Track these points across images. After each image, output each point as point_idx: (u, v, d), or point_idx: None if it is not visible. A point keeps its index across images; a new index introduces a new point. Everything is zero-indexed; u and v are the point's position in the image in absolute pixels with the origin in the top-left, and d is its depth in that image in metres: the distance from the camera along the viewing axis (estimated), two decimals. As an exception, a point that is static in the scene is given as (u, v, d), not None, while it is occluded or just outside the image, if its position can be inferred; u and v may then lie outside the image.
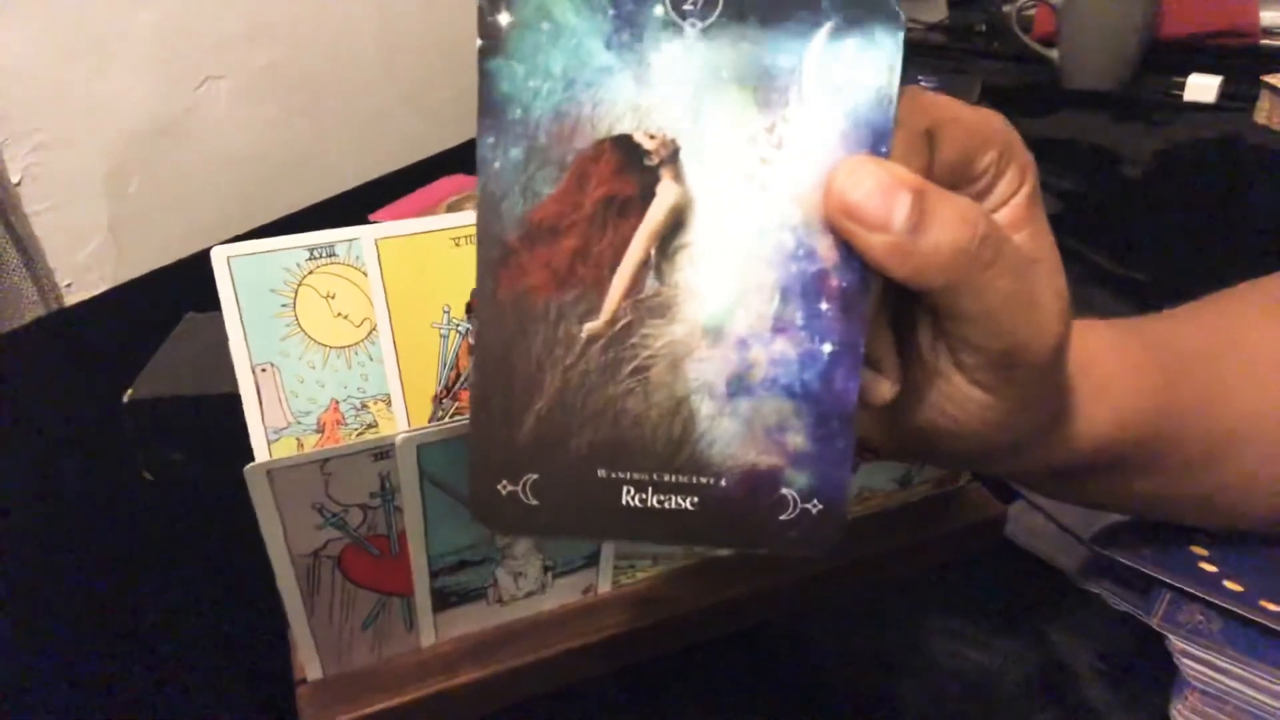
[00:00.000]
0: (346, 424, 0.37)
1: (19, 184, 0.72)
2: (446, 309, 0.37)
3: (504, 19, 0.21)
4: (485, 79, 0.22)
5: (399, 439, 0.33)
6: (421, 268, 0.37)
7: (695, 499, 0.23)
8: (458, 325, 0.37)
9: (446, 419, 0.38)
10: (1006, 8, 1.18)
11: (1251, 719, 0.35)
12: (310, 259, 0.36)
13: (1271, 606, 0.38)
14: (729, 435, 0.23)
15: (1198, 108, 1.03)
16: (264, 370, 0.36)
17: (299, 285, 0.36)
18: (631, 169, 0.22)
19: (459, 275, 0.37)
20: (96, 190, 0.77)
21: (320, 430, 0.37)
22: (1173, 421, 0.33)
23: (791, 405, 0.23)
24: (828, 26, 0.21)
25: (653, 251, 0.22)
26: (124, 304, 0.74)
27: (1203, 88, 1.03)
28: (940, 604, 0.42)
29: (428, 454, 0.33)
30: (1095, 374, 0.30)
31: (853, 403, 0.23)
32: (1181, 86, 1.04)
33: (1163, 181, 0.87)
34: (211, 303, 0.35)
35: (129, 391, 0.50)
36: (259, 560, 0.42)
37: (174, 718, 0.39)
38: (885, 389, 0.26)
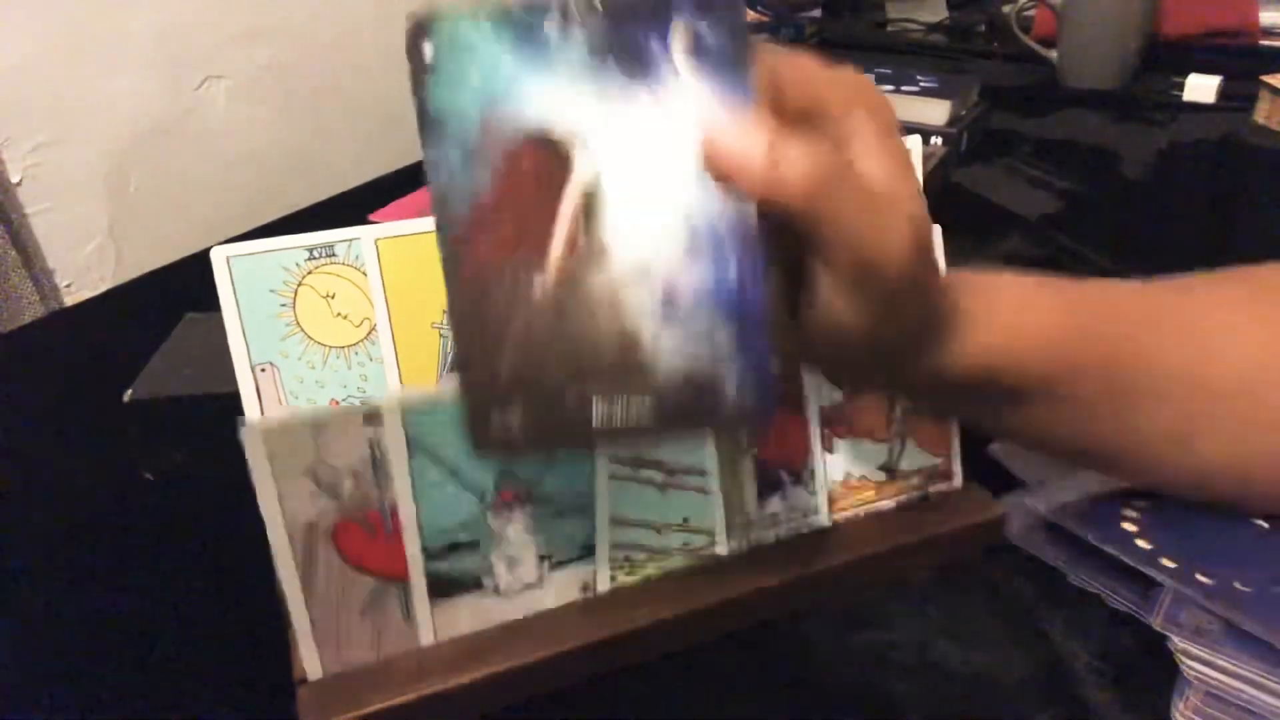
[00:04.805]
0: (346, 424, 0.37)
1: (19, 184, 0.72)
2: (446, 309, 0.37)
3: (428, 48, 0.27)
4: (420, 100, 0.27)
5: (385, 399, 0.34)
6: (421, 268, 0.37)
7: (649, 405, 0.28)
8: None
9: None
10: (1006, 8, 1.18)
11: (1253, 719, 0.35)
12: (310, 259, 0.36)
13: (1206, 580, 0.40)
14: (670, 347, 0.28)
15: (1197, 108, 1.03)
16: (264, 370, 0.36)
17: (299, 285, 0.36)
18: (550, 155, 0.27)
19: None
20: (96, 190, 0.77)
21: (320, 430, 0.37)
22: (1073, 359, 0.36)
23: (715, 315, 0.28)
24: (683, 13, 0.27)
25: (578, 215, 0.28)
26: (124, 304, 0.74)
27: (1202, 88, 1.03)
28: (940, 604, 0.42)
29: (414, 417, 0.35)
30: (988, 302, 0.35)
31: (762, 304, 0.28)
32: (1181, 86, 1.04)
33: (1163, 181, 0.87)
34: (211, 303, 0.35)
35: (129, 391, 0.50)
36: (258, 560, 0.42)
37: (174, 718, 0.39)
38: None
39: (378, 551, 0.36)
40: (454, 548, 0.37)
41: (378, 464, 0.35)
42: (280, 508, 0.34)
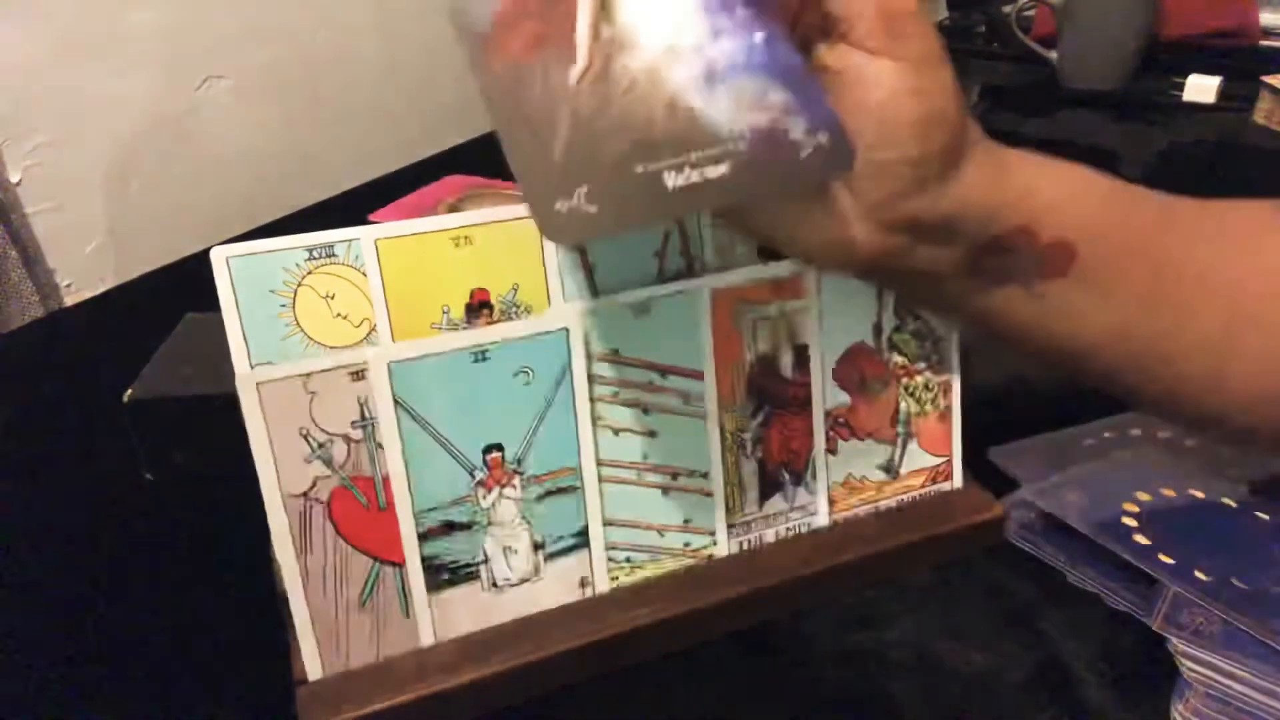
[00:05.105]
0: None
1: (19, 184, 0.72)
2: (446, 309, 0.37)
3: None
4: None
5: (371, 353, 0.35)
6: (421, 268, 0.37)
7: (726, 164, 0.28)
8: (458, 325, 0.37)
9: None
10: (1006, 8, 1.18)
11: None
12: (310, 259, 0.36)
13: (1204, 577, 0.40)
14: (726, 112, 0.28)
15: (1197, 108, 1.03)
16: (264, 370, 0.36)
17: (298, 286, 0.36)
18: None
19: (459, 275, 0.37)
20: (96, 190, 0.77)
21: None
22: (1114, 235, 0.34)
23: (759, 78, 0.28)
24: None
25: (598, 5, 0.28)
26: (124, 304, 0.74)
27: (1202, 88, 1.03)
28: (940, 604, 0.42)
29: (401, 375, 0.35)
30: (1034, 168, 0.33)
31: (799, 61, 0.29)
32: (1181, 87, 1.04)
33: (1163, 181, 0.86)
34: (211, 303, 0.35)
35: (129, 391, 0.50)
36: (258, 560, 0.42)
37: (174, 718, 0.39)
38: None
39: (372, 527, 0.36)
40: (448, 529, 0.37)
41: (368, 428, 0.35)
42: (276, 475, 0.34)
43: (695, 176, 0.28)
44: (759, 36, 0.29)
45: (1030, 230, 0.33)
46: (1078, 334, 0.35)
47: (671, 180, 0.28)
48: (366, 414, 0.35)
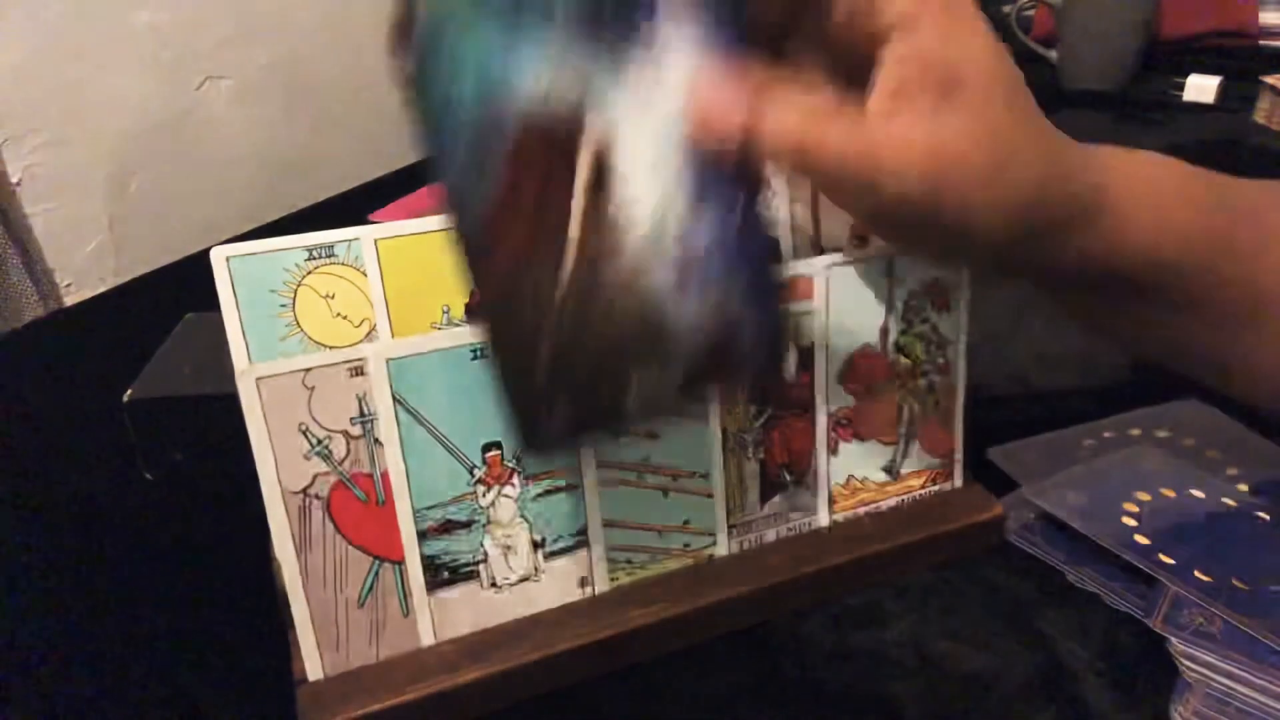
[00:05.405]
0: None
1: (19, 184, 0.72)
2: (446, 309, 0.37)
3: (413, 46, 0.25)
4: (414, 101, 0.26)
5: (369, 349, 0.35)
6: (421, 268, 0.37)
7: (680, 371, 0.30)
8: (458, 325, 0.37)
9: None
10: (1006, 8, 1.18)
11: None
12: (310, 259, 0.36)
13: (1204, 577, 0.40)
14: (690, 320, 0.30)
15: (1197, 108, 1.03)
16: (263, 370, 0.36)
17: (298, 286, 0.36)
18: (555, 131, 0.27)
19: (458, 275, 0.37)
20: (96, 190, 0.77)
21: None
22: (1221, 255, 0.33)
23: (725, 286, 0.29)
24: None
25: (590, 188, 0.28)
26: (124, 304, 0.74)
27: (1202, 88, 1.03)
28: (940, 604, 0.42)
29: (400, 371, 0.35)
30: (1133, 190, 0.32)
31: (767, 247, 0.30)
32: (1181, 87, 1.04)
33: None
34: (211, 303, 0.35)
35: (129, 391, 0.50)
36: (258, 560, 0.42)
37: (174, 718, 0.39)
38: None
39: (372, 524, 0.36)
40: (447, 527, 0.37)
41: (367, 425, 0.35)
42: (276, 472, 0.34)
43: (655, 386, 0.30)
44: (738, 216, 0.29)
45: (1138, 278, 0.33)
46: (1177, 349, 0.36)
47: (635, 391, 0.30)
48: (366, 410, 0.35)
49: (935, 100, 0.28)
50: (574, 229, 0.28)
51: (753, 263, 0.30)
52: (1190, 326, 0.35)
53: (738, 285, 0.30)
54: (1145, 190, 0.33)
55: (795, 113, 0.27)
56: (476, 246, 0.27)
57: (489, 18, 0.25)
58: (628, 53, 0.27)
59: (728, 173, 0.28)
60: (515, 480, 0.38)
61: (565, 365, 0.29)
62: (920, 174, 0.28)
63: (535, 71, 0.26)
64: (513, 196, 0.27)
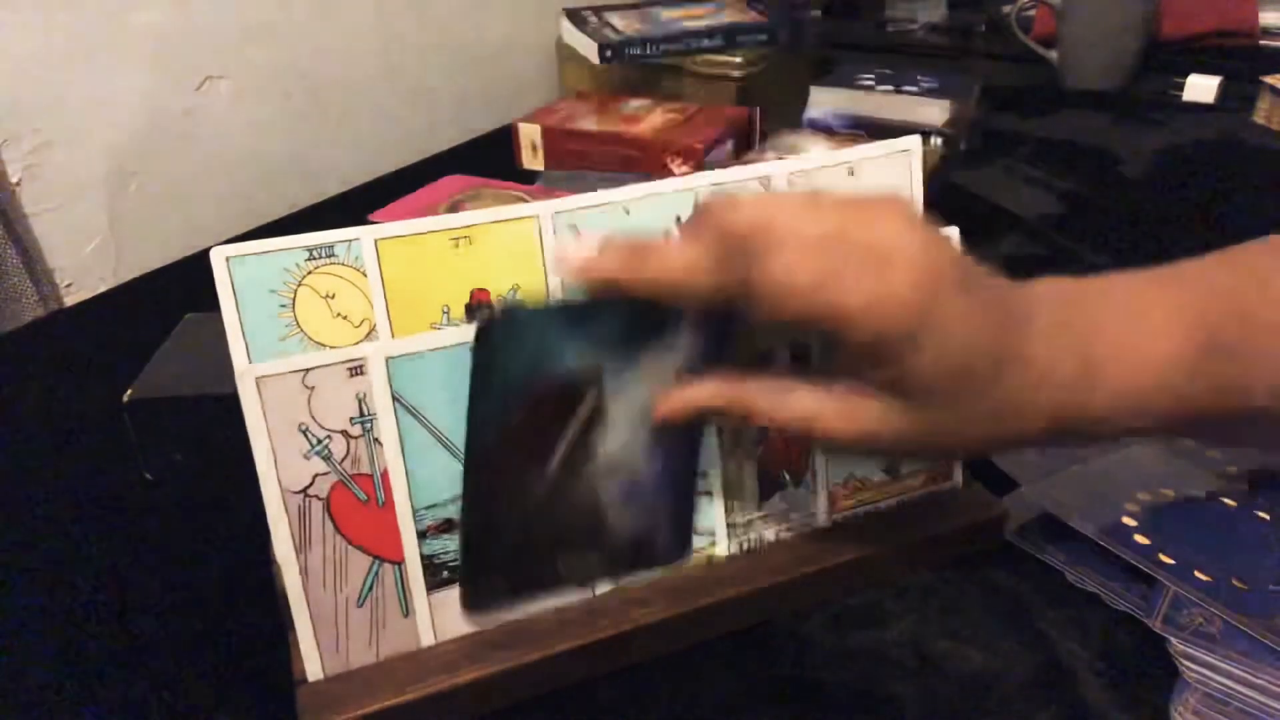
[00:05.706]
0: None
1: (19, 184, 0.72)
2: (446, 309, 0.37)
3: (497, 333, 0.33)
4: (480, 366, 0.33)
5: (369, 349, 0.35)
6: (421, 268, 0.37)
7: (602, 555, 0.38)
8: (458, 325, 0.37)
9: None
10: (1006, 8, 1.18)
11: None
12: (310, 259, 0.36)
13: (1204, 577, 0.40)
14: (625, 521, 0.38)
15: (1197, 108, 1.03)
16: (263, 370, 0.36)
17: (298, 285, 0.36)
18: (568, 391, 0.35)
19: (458, 275, 0.37)
20: (96, 190, 0.77)
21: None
22: (1202, 399, 0.33)
23: (657, 501, 0.38)
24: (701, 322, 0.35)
25: (579, 431, 0.35)
26: (124, 304, 0.74)
27: (1202, 88, 1.03)
28: (940, 604, 0.42)
29: (399, 370, 0.35)
30: (1102, 335, 0.33)
31: (692, 485, 0.40)
32: (1181, 87, 1.04)
33: (1163, 181, 0.87)
34: (211, 303, 0.35)
35: (129, 391, 0.50)
36: (258, 560, 0.42)
37: (174, 718, 0.39)
38: None
39: (371, 524, 0.36)
40: (447, 526, 0.37)
41: (366, 425, 0.36)
42: (275, 468, 0.34)
43: (577, 562, 0.38)
44: (678, 459, 0.38)
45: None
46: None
47: (565, 570, 0.38)
48: (365, 410, 0.36)
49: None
50: (561, 450, 0.35)
51: (678, 490, 0.39)
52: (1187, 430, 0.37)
53: (663, 507, 0.38)
54: (1113, 334, 0.33)
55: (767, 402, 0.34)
56: (483, 457, 0.35)
57: (551, 327, 0.34)
58: (641, 354, 0.35)
59: (680, 432, 0.37)
60: None
61: (520, 548, 0.37)
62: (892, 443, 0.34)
63: (569, 360, 0.34)
64: (522, 429, 0.35)
